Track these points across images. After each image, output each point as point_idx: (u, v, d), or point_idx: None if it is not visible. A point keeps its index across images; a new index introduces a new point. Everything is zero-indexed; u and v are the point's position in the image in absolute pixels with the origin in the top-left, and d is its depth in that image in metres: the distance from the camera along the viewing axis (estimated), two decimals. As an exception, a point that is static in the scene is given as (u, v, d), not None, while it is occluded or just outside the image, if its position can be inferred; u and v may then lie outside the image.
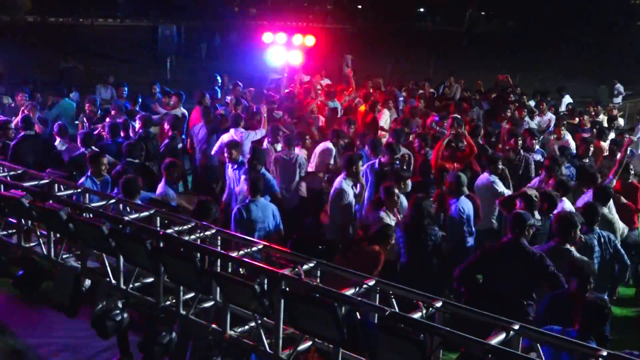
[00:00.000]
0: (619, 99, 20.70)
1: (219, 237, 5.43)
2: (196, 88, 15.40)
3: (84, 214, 5.63)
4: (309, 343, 4.52)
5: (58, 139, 10.47)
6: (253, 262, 4.80)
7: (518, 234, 6.46)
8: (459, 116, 12.03)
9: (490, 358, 3.60)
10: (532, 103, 15.97)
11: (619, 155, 9.65)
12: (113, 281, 5.39)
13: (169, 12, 44.08)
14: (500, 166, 9.14)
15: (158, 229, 5.54)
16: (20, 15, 46.52)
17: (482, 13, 68.82)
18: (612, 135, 12.34)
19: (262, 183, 8.15)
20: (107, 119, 11.59)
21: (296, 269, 4.60)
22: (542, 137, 12.23)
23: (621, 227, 8.23)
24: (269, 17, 52.28)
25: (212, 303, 5.13)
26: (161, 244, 5.01)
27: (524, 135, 10.86)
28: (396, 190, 7.92)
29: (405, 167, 9.52)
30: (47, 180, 6.52)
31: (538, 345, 4.01)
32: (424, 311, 4.19)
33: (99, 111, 12.66)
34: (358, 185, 8.71)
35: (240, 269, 5.02)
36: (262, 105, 12.45)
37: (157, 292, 5.14)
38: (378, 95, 15.23)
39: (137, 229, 5.29)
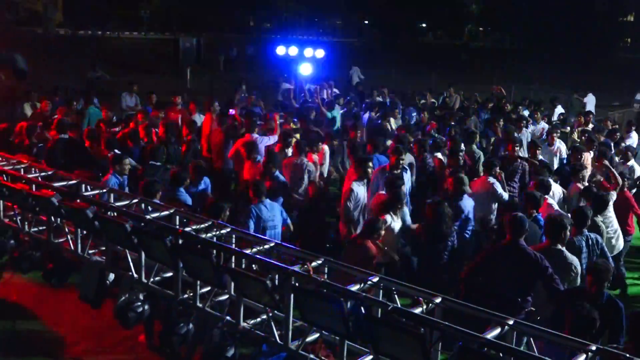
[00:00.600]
0: (591, 107, 20.26)
1: (234, 236, 5.42)
2: (214, 96, 15.43)
3: (109, 213, 5.63)
4: (317, 335, 4.51)
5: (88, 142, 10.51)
6: (265, 259, 4.79)
7: (516, 236, 6.41)
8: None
9: (486, 351, 3.59)
10: (526, 112, 15.91)
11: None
12: (135, 275, 5.39)
13: (190, 26, 44.33)
14: (497, 170, 9.13)
15: (177, 227, 5.53)
16: (52, 28, 46.96)
17: (481, 29, 68.78)
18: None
19: (278, 185, 8.45)
20: (132, 124, 11.66)
21: (305, 266, 4.59)
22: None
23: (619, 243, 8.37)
24: (282, 31, 52.59)
25: (226, 296, 5.13)
26: (180, 241, 5.01)
27: (529, 147, 11.03)
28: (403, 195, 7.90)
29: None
30: (75, 181, 6.54)
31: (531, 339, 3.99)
32: (424, 306, 4.17)
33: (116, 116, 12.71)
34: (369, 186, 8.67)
35: (253, 265, 5.00)
36: (275, 113, 12.48)
37: (176, 285, 5.14)
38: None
39: (157, 227, 5.28)
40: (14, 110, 13.85)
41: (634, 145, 13.15)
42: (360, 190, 8.51)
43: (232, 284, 4.95)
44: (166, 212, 5.78)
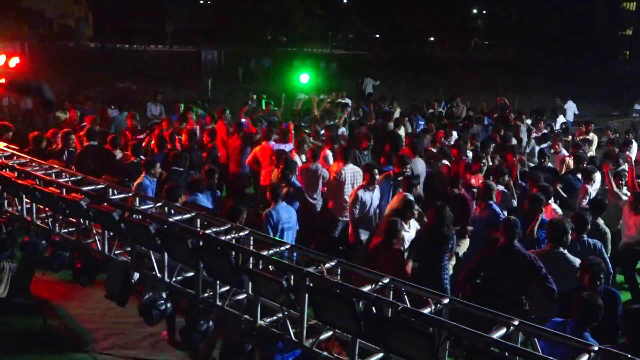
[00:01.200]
0: (570, 113, 20.03)
1: (252, 238, 5.41)
2: (234, 106, 15.48)
3: (134, 215, 5.64)
4: (330, 333, 4.47)
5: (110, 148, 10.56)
6: (281, 260, 4.77)
7: (510, 238, 6.37)
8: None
9: (492, 350, 3.54)
10: (529, 121, 15.80)
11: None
12: (158, 275, 5.39)
13: (211, 40, 44.52)
14: (506, 178, 9.07)
15: (198, 229, 5.52)
16: (83, 41, 47.49)
17: (486, 42, 68.50)
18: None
19: (294, 190, 8.53)
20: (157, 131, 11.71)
21: (319, 267, 4.56)
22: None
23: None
24: (297, 44, 52.69)
25: (244, 296, 5.10)
26: (201, 243, 5.00)
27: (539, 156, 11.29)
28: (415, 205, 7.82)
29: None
30: (103, 185, 6.56)
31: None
32: (433, 307, 4.13)
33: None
34: (376, 192, 8.61)
35: (270, 266, 4.98)
36: (290, 123, 12.49)
37: (197, 285, 5.12)
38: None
39: (180, 229, 5.28)
40: (47, 119, 14.00)
41: (634, 154, 13.01)
42: (366, 196, 8.47)
43: (250, 283, 4.93)
44: (188, 215, 5.78)
